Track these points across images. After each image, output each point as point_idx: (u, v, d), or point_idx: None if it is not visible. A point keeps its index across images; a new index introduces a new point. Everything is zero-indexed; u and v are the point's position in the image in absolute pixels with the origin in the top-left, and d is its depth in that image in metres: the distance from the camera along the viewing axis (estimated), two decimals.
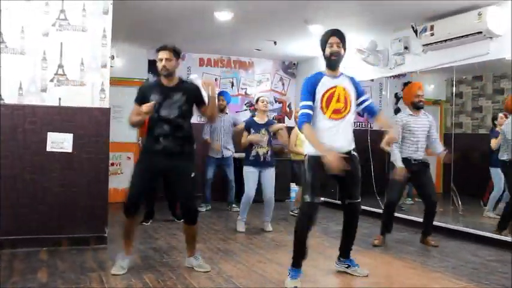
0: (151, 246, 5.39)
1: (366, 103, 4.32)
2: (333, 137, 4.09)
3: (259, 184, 6.45)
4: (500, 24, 5.86)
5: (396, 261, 5.03)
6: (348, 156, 4.12)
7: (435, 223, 5.86)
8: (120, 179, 8.18)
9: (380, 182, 7.15)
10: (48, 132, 5.20)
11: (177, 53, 4.39)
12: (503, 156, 6.10)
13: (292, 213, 7.85)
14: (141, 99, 4.31)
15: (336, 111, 4.11)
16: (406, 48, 7.24)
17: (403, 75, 7.42)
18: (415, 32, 6.97)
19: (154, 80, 4.28)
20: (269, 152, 6.40)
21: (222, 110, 8.01)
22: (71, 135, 5.25)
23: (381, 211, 7.22)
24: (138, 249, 5.24)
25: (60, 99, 5.30)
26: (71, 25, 5.34)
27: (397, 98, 8.22)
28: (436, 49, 6.65)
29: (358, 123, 9.60)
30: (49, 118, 5.22)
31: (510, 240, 5.62)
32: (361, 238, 6.04)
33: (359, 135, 8.28)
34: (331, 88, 4.13)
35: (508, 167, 6.09)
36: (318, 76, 4.21)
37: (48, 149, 5.19)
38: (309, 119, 4.07)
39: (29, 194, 5.14)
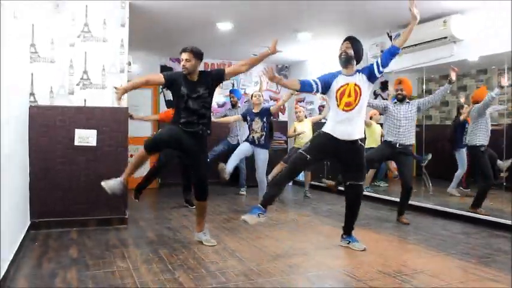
0: (166, 226, 5.42)
1: (377, 61, 4.31)
2: (345, 126, 4.21)
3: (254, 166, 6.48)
4: (462, 30, 5.91)
5: (375, 235, 5.06)
6: (355, 143, 4.25)
7: (410, 202, 5.87)
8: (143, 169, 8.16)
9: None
10: (76, 129, 5.22)
11: (197, 54, 4.38)
12: (474, 141, 6.00)
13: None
14: (169, 79, 4.36)
15: (347, 104, 4.20)
16: (382, 51, 7.22)
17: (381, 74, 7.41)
18: (390, 37, 6.97)
19: (182, 71, 4.39)
20: (263, 137, 6.36)
21: (234, 105, 8.26)
22: (95, 131, 5.27)
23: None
24: (154, 229, 5.29)
25: (85, 100, 5.32)
26: (94, 36, 5.35)
27: (375, 94, 8.22)
28: (408, 52, 6.65)
29: None
30: (76, 117, 5.24)
31: (473, 216, 5.67)
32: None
33: None
34: (344, 85, 4.24)
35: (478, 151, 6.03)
36: (336, 74, 4.35)
37: (76, 143, 5.22)
38: (305, 81, 4.30)
39: (60, 182, 5.17)
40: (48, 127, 5.12)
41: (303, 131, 7.58)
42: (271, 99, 10.31)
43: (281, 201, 7.41)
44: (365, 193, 7.01)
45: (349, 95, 4.20)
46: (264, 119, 6.41)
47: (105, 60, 5.39)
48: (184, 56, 4.33)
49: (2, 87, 3.21)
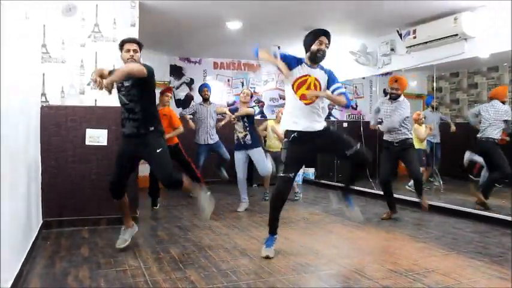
0: (176, 225, 5.43)
1: (338, 91, 4.08)
2: (299, 117, 4.03)
3: (253, 165, 6.39)
4: (473, 28, 5.85)
5: (385, 234, 5.03)
6: (316, 132, 4.04)
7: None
8: (147, 167, 8.17)
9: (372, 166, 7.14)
10: (87, 129, 5.24)
11: (140, 45, 4.16)
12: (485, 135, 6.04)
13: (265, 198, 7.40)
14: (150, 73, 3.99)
15: (303, 97, 4.01)
16: (392, 49, 7.22)
17: (390, 73, 7.39)
18: (400, 35, 6.96)
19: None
20: (247, 136, 6.23)
21: (206, 100, 7.70)
22: (106, 131, 5.29)
23: (373, 191, 7.28)
24: (165, 227, 5.30)
25: (96, 100, 5.34)
26: (104, 37, 5.38)
27: (385, 93, 8.18)
28: (418, 50, 6.63)
29: (351, 116, 9.62)
30: (87, 116, 5.26)
31: (485, 214, 5.63)
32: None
33: (353, 125, 8.32)
34: (305, 76, 4.05)
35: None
36: (300, 60, 4.13)
37: (87, 142, 5.24)
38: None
39: (71, 181, 5.20)
40: (59, 127, 5.16)
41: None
42: (280, 97, 10.29)
43: (291, 200, 7.40)
44: (375, 191, 7.04)
45: (308, 88, 4.02)
46: (245, 119, 6.27)
47: (116, 60, 5.34)
48: (132, 46, 4.06)
49: (13, 87, 3.22)
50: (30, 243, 4.04)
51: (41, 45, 5.13)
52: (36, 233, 4.52)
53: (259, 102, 10.06)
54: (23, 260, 3.51)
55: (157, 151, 4.02)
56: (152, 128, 4.05)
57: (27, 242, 3.89)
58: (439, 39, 6.18)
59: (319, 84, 4.08)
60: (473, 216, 5.73)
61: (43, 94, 5.14)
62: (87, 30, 5.32)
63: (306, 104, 4.01)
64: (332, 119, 9.46)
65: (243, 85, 9.86)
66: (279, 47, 8.42)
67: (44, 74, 5.15)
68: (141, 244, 4.56)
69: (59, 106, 5.19)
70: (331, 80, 4.14)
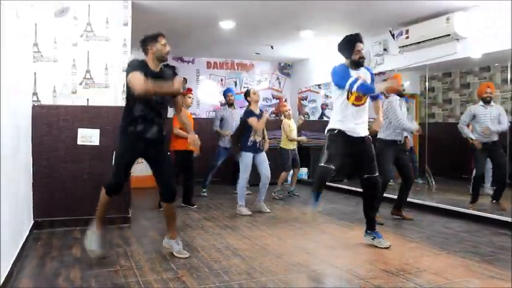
0: None
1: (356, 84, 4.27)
2: (356, 121, 4.24)
3: (254, 167, 6.24)
4: (465, 28, 5.87)
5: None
6: (363, 138, 4.27)
7: (412, 200, 5.85)
8: (141, 167, 8.15)
9: None
10: (79, 128, 5.21)
11: None
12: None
13: (274, 195, 7.48)
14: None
15: (358, 99, 4.21)
16: (385, 49, 7.25)
17: (383, 73, 7.41)
18: (393, 35, 6.98)
19: (141, 59, 3.87)
20: (262, 140, 6.24)
21: (231, 105, 7.90)
22: (98, 130, 5.26)
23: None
24: (157, 227, 5.28)
25: (88, 99, 5.31)
26: (96, 36, 5.34)
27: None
28: (411, 50, 6.65)
29: None
30: (79, 116, 5.23)
31: (476, 214, 5.65)
32: (349, 214, 6.12)
33: None
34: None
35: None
36: (347, 67, 4.33)
37: (79, 142, 5.21)
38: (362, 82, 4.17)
39: (63, 181, 5.17)
40: (51, 126, 5.12)
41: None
42: (273, 97, 10.29)
43: (283, 199, 7.41)
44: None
45: None
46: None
47: (108, 59, 5.37)
48: (166, 40, 3.94)
49: (4, 87, 3.20)
50: (21, 243, 4.01)
51: (32, 44, 5.09)
52: (27, 233, 4.49)
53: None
54: (13, 260, 3.49)
55: (168, 154, 4.10)
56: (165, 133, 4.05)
57: (18, 242, 3.87)
58: (432, 39, 6.19)
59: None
60: (464, 216, 5.75)
61: (35, 93, 5.11)
62: (80, 30, 5.29)
63: (357, 105, 4.23)
64: (325, 118, 9.46)
65: (236, 84, 9.86)
66: (272, 47, 8.44)
67: (35, 73, 5.12)
68: (133, 244, 4.54)
69: (51, 106, 5.15)
70: (372, 79, 4.43)
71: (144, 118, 3.80)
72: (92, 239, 3.86)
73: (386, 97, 5.50)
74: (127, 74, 3.70)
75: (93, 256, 3.86)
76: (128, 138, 3.84)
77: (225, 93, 8.06)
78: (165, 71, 3.96)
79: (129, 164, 3.93)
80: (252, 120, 6.06)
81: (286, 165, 7.48)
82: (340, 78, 4.28)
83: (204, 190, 7.65)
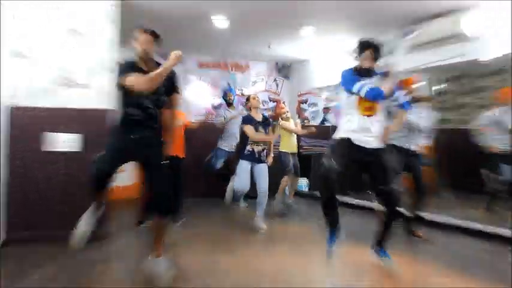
0: (149, 239, 4.88)
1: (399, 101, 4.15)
2: (365, 133, 3.89)
3: (252, 179, 5.72)
4: (475, 28, 5.64)
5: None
6: (376, 149, 3.91)
7: (427, 216, 5.50)
8: (123, 176, 7.61)
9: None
10: (58, 133, 4.80)
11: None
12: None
13: (275, 209, 6.91)
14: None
15: (368, 109, 3.88)
16: (391, 51, 6.89)
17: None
18: (400, 35, 6.62)
19: (130, 60, 3.65)
20: (264, 151, 5.72)
21: (230, 104, 7.52)
22: (79, 135, 4.85)
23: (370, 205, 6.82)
24: (136, 243, 4.82)
25: (69, 101, 4.89)
26: (81, 34, 4.97)
27: None
28: (419, 51, 6.33)
29: None
30: (59, 119, 4.82)
31: (497, 233, 5.22)
32: (353, 230, 5.66)
33: None
34: None
35: None
36: (355, 72, 3.99)
37: (58, 148, 4.79)
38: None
39: (39, 191, 4.74)
40: (27, 130, 4.72)
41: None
42: (270, 100, 9.89)
43: (282, 215, 6.89)
44: (372, 205, 6.60)
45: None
46: (267, 131, 5.81)
47: (93, 59, 5.00)
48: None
49: None
50: None
51: (12, 44, 4.73)
52: None
53: (247, 105, 9.65)
54: None
55: (163, 162, 3.72)
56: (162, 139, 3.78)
57: None
58: (440, 39, 5.95)
59: None
60: (485, 235, 5.28)
61: (12, 95, 4.72)
62: (63, 26, 4.92)
63: (367, 116, 3.91)
64: (327, 124, 9.00)
65: (229, 86, 9.42)
66: (269, 46, 8.09)
67: (14, 74, 4.74)
68: (111, 261, 4.26)
69: (28, 107, 4.75)
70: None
71: (136, 121, 3.57)
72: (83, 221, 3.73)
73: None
74: (118, 78, 3.48)
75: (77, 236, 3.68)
76: (119, 135, 3.61)
77: (225, 93, 7.72)
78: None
79: (117, 156, 3.58)
80: (247, 129, 5.63)
81: (287, 168, 6.94)
82: (347, 81, 3.94)
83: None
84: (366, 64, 3.94)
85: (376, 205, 5.15)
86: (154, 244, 3.76)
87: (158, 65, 3.62)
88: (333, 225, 4.07)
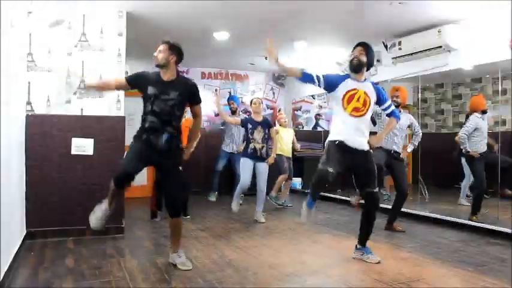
0: (163, 235, 5.34)
1: (390, 109, 4.41)
2: (354, 133, 4.12)
3: (253, 176, 6.25)
4: (457, 40, 5.92)
5: (370, 242, 4.86)
6: (364, 151, 4.16)
7: (405, 210, 5.83)
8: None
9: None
10: (73, 138, 5.19)
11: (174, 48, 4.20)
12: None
13: (274, 203, 7.62)
14: (134, 81, 4.20)
15: (356, 109, 4.10)
16: (378, 61, 7.22)
17: (377, 83, 7.42)
18: (386, 47, 6.99)
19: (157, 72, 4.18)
20: (264, 148, 6.22)
21: (234, 112, 8.11)
22: (92, 140, 5.25)
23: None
24: (151, 237, 5.26)
25: (82, 109, 5.30)
26: (91, 46, 5.35)
27: None
28: (404, 61, 6.69)
29: None
30: (73, 126, 5.22)
31: (469, 224, 5.66)
32: (343, 224, 6.12)
33: None
34: (353, 89, 4.14)
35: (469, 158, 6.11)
36: (345, 76, 4.26)
37: (73, 152, 5.19)
38: (307, 72, 4.28)
39: (56, 191, 5.13)
40: (44, 136, 5.10)
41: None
42: (267, 107, 10.30)
43: (278, 210, 7.39)
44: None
45: (358, 100, 4.11)
46: (266, 130, 6.30)
47: (102, 69, 5.36)
48: (160, 47, 4.21)
49: None
50: (13, 254, 3.98)
51: (26, 54, 5.08)
52: (20, 243, 4.45)
53: (246, 112, 10.03)
54: (5, 271, 3.46)
55: (180, 168, 4.02)
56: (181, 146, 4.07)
57: (9, 252, 3.83)
58: (424, 50, 6.24)
59: (369, 98, 4.18)
60: (458, 226, 5.76)
61: (28, 103, 5.09)
62: (74, 39, 5.29)
63: (356, 116, 4.12)
64: (319, 129, 9.46)
65: (230, 94, 9.83)
66: (266, 58, 8.44)
67: (29, 83, 5.10)
68: (126, 254, 4.51)
69: (45, 115, 5.13)
70: (382, 96, 4.31)
71: (154, 128, 3.86)
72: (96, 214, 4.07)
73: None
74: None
75: (93, 226, 4.04)
76: (140, 141, 3.89)
77: (228, 100, 8.37)
78: (177, 82, 4.13)
79: (137, 159, 3.85)
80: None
81: (282, 168, 7.48)
82: (327, 76, 4.27)
83: (211, 194, 8.09)
84: (357, 55, 4.19)
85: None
86: (171, 241, 4.14)
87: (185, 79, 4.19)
88: (314, 197, 4.28)
